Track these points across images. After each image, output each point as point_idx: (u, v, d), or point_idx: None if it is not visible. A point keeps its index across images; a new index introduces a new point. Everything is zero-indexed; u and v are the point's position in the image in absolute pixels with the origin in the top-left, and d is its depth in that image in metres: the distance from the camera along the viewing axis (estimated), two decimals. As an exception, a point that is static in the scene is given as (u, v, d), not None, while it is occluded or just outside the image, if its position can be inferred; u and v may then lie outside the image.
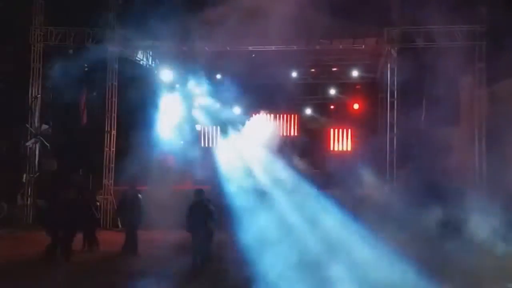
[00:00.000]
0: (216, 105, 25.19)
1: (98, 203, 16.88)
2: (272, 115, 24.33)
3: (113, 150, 20.59)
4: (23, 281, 11.41)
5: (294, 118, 24.57)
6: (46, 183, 20.49)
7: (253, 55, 20.99)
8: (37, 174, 20.55)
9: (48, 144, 20.93)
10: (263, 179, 20.83)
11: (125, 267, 12.81)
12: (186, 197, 14.02)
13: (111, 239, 16.92)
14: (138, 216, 14.44)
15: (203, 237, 12.66)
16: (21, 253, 14.52)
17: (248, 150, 22.99)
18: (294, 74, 23.15)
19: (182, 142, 26.19)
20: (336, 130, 24.63)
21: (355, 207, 17.44)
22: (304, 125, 24.95)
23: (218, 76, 23.75)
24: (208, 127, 25.00)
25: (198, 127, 25.38)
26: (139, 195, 14.85)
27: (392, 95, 19.78)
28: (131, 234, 14.50)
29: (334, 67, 23.90)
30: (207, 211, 12.73)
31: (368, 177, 21.08)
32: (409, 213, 18.12)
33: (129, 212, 14.53)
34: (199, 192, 13.05)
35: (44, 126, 21.00)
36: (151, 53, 22.87)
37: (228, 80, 23.86)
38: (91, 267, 13.05)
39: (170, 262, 12.91)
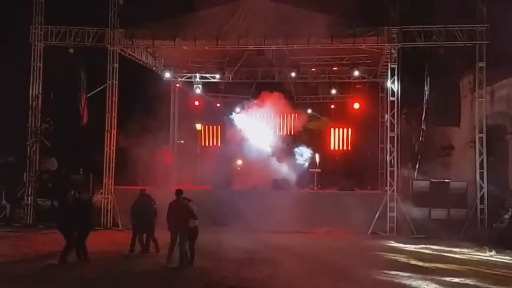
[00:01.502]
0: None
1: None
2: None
3: (113, 150, 20.57)
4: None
5: (294, 118, 24.50)
6: (48, 182, 20.48)
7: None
8: (38, 173, 20.54)
9: (48, 144, 20.92)
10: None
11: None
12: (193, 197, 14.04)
13: (114, 238, 16.93)
14: (154, 216, 14.42)
15: (183, 236, 12.65)
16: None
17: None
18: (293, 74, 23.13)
19: (182, 141, 26.28)
20: (336, 130, 24.60)
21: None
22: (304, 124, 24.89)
23: (217, 76, 23.63)
24: (209, 126, 24.94)
25: (198, 126, 25.34)
26: (151, 197, 14.76)
27: (392, 95, 19.78)
28: (150, 235, 14.40)
29: (335, 67, 23.89)
30: (186, 210, 12.72)
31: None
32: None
33: (144, 213, 14.42)
34: (177, 192, 13.07)
35: (45, 125, 20.99)
36: (151, 52, 22.79)
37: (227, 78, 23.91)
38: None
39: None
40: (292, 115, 23.91)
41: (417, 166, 20.73)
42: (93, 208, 13.72)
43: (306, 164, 22.71)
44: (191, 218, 12.66)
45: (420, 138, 20.76)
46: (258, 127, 24.14)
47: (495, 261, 14.61)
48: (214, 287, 11.12)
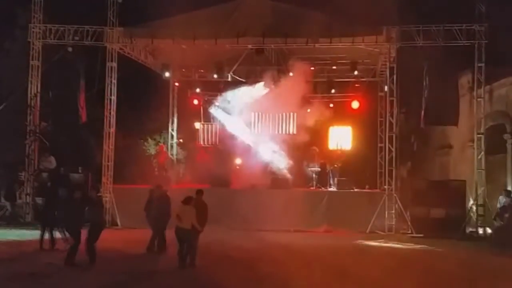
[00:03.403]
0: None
1: None
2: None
3: (112, 148, 20.56)
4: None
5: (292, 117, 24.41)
6: (47, 181, 20.44)
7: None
8: (36, 172, 20.52)
9: (47, 142, 20.91)
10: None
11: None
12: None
13: (115, 237, 16.88)
14: (167, 215, 14.39)
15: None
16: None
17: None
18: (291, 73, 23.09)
19: (181, 140, 26.29)
20: (335, 129, 24.53)
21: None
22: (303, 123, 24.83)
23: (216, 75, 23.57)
24: (208, 124, 24.89)
25: (197, 125, 25.28)
26: (167, 194, 14.76)
27: (391, 94, 19.80)
28: (160, 233, 14.35)
29: (333, 66, 23.87)
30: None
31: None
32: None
33: (156, 211, 14.37)
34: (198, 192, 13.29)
35: (43, 124, 20.98)
36: (150, 50, 22.74)
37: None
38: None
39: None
40: (292, 113, 23.78)
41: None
42: (103, 206, 13.11)
43: (304, 162, 22.65)
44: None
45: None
46: (258, 126, 24.04)
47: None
48: (213, 287, 11.15)
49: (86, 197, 13.01)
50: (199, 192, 13.28)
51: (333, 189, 21.22)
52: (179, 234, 12.54)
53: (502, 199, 18.56)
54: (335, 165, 22.50)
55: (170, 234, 14.42)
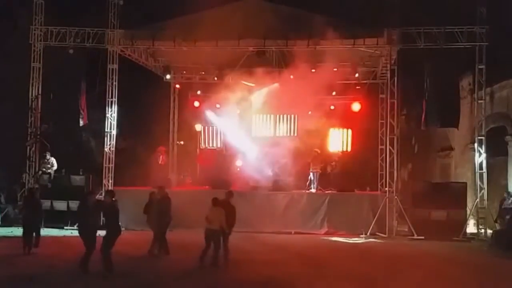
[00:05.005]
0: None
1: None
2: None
3: (112, 150, 20.57)
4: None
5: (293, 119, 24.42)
6: (48, 183, 20.43)
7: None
8: (38, 174, 20.52)
9: (48, 144, 20.92)
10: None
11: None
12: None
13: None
14: (168, 217, 14.36)
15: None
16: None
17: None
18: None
19: (181, 142, 26.27)
20: (336, 131, 24.55)
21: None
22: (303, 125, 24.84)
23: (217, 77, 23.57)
24: (210, 127, 24.87)
25: (198, 127, 25.28)
26: (168, 196, 14.72)
27: (392, 96, 19.79)
28: (161, 235, 14.31)
29: (334, 68, 23.83)
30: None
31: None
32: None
33: (158, 213, 14.33)
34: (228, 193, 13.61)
35: (44, 126, 20.99)
36: (151, 53, 22.75)
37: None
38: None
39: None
40: (293, 115, 23.78)
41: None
42: (118, 211, 12.62)
43: (306, 165, 22.63)
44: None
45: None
46: (259, 128, 24.04)
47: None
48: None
49: (101, 203, 12.75)
50: (229, 193, 13.30)
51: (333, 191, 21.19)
52: (208, 235, 12.60)
53: (504, 201, 18.58)
54: (334, 167, 22.49)
55: (172, 237, 14.51)
